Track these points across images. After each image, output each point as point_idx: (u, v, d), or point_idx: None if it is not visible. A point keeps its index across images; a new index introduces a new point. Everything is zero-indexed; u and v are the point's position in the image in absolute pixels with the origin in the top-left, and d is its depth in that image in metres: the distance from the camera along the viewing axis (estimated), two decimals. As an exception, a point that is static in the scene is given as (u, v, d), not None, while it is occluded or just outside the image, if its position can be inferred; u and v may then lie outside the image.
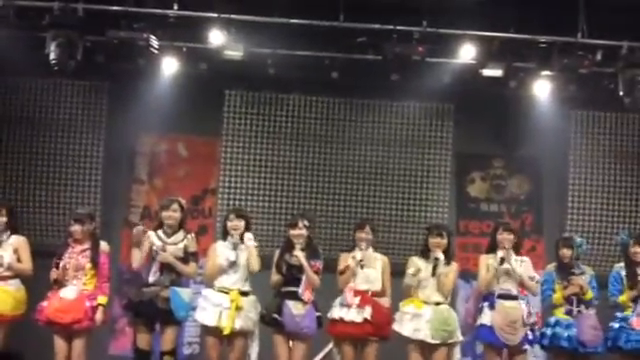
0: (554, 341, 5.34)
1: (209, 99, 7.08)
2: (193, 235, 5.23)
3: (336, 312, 5.27)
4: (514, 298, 5.27)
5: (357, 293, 5.23)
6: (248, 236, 5.18)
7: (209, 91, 7.02)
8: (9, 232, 5.28)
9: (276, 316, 5.12)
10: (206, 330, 5.17)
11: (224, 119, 7.20)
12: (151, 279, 5.09)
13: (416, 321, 5.19)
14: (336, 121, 7.25)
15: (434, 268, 5.22)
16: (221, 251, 5.19)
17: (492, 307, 5.24)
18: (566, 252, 5.45)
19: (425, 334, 5.16)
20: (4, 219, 5.24)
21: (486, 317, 5.26)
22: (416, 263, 5.33)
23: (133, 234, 5.22)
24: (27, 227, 6.25)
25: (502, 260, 5.24)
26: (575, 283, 5.36)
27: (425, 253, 5.34)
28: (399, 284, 5.45)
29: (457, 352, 5.35)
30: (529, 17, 6.32)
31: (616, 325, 5.40)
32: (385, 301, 5.35)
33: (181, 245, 5.14)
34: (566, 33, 6.29)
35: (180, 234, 5.17)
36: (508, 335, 5.19)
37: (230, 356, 5.13)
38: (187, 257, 5.14)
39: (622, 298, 5.42)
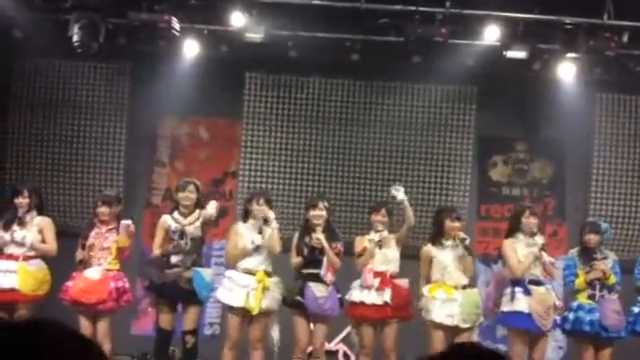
0: (576, 325, 5.29)
1: (230, 82, 7.07)
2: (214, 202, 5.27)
3: (356, 295, 5.28)
4: (542, 284, 5.23)
5: (376, 274, 5.24)
6: (273, 216, 5.20)
7: (230, 73, 7.01)
8: (34, 213, 5.35)
9: (299, 298, 5.15)
10: (230, 311, 5.19)
11: (245, 102, 7.19)
12: (174, 260, 5.13)
13: (448, 306, 5.17)
14: (357, 104, 7.21)
15: (467, 249, 5.20)
16: (244, 233, 5.20)
17: (527, 293, 5.15)
18: (593, 237, 5.36)
19: (458, 319, 5.15)
20: (26, 200, 5.30)
21: (522, 303, 5.15)
22: (431, 252, 5.30)
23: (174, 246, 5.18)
24: (50, 209, 6.31)
25: (543, 247, 5.18)
26: (598, 268, 5.30)
27: (439, 239, 5.29)
28: (418, 268, 5.44)
29: (475, 334, 5.34)
30: (554, -2, 6.21)
31: (636, 309, 5.35)
32: (404, 282, 5.35)
33: (198, 224, 5.17)
34: (592, 14, 6.16)
35: (196, 214, 5.21)
36: (545, 321, 5.14)
37: (253, 335, 5.17)
38: (204, 230, 5.18)
39: None
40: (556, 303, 5.21)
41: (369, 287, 5.21)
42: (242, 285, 5.11)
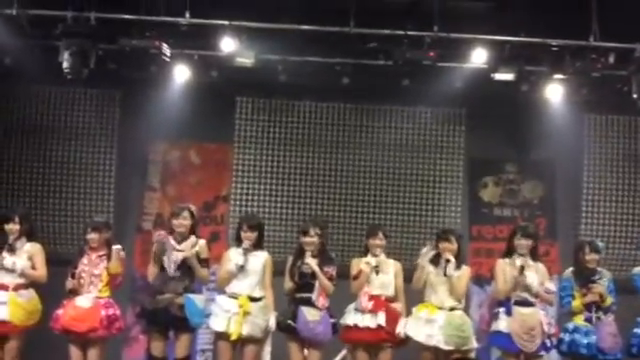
0: (572, 348, 5.28)
1: (221, 106, 7.10)
2: (204, 241, 5.24)
3: (350, 318, 5.26)
4: (531, 305, 5.22)
5: (371, 298, 5.22)
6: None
7: (221, 98, 7.04)
8: (24, 239, 5.31)
9: (290, 322, 5.12)
10: (218, 336, 5.17)
11: (236, 126, 7.22)
12: (171, 273, 5.04)
13: (429, 326, 5.16)
14: (347, 127, 7.25)
15: (444, 269, 5.18)
16: (232, 256, 5.21)
17: (509, 313, 5.17)
18: (594, 257, 5.33)
19: (438, 340, 5.12)
20: (17, 226, 5.27)
21: (502, 323, 5.19)
22: (427, 268, 5.31)
23: (156, 242, 5.15)
24: (41, 235, 6.24)
25: (522, 269, 5.17)
26: (595, 291, 5.28)
27: (436, 259, 5.31)
28: (413, 289, 5.43)
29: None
30: (541, 21, 6.30)
31: None
32: (398, 306, 5.33)
33: (193, 250, 5.14)
34: (578, 36, 6.26)
35: (192, 240, 5.17)
36: (526, 342, 5.13)
37: (244, 362, 5.13)
38: (199, 263, 5.15)
39: None
40: (544, 327, 5.16)
41: (363, 310, 5.19)
42: (225, 310, 5.09)
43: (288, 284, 5.23)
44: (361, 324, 5.19)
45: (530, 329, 5.14)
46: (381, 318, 5.19)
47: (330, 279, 5.19)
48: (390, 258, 5.43)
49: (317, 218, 6.29)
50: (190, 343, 5.25)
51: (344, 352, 5.63)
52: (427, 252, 5.25)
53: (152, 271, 5.14)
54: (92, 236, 5.26)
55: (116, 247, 5.24)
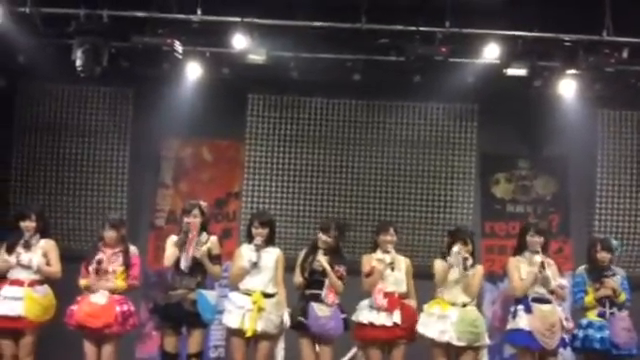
0: (586, 343, 5.25)
1: (232, 103, 7.13)
2: (216, 238, 5.26)
3: (364, 316, 5.25)
4: (548, 302, 5.19)
5: (386, 295, 5.21)
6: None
7: (232, 95, 7.07)
8: (38, 236, 5.36)
9: (301, 319, 5.13)
10: (231, 332, 5.19)
11: (247, 123, 7.24)
12: (183, 265, 5.06)
13: (442, 322, 5.14)
14: (359, 123, 7.25)
15: (463, 265, 5.13)
16: (245, 253, 5.22)
17: (529, 311, 5.13)
18: (605, 255, 5.31)
19: (451, 336, 5.10)
20: (33, 224, 5.31)
21: (523, 321, 5.14)
22: (441, 265, 5.29)
23: (184, 230, 5.14)
24: (54, 232, 6.30)
25: (542, 265, 5.13)
26: (607, 285, 5.25)
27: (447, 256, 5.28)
28: (424, 286, 5.42)
29: (484, 356, 5.29)
30: (553, 16, 6.26)
31: None
32: (412, 302, 5.32)
33: (204, 248, 5.16)
34: (591, 31, 6.21)
35: (203, 237, 5.20)
36: (547, 339, 5.09)
37: (257, 358, 5.14)
38: (211, 259, 5.17)
39: None
40: (563, 322, 5.16)
41: (379, 308, 5.18)
42: (238, 306, 5.11)
43: (298, 279, 5.24)
44: (377, 322, 5.17)
45: (551, 325, 5.11)
46: (397, 316, 5.18)
47: (340, 278, 5.19)
48: (401, 254, 5.43)
49: (340, 220, 6.16)
50: (203, 339, 5.27)
51: (354, 350, 5.62)
52: (458, 252, 5.18)
53: (171, 252, 5.11)
54: (110, 234, 5.29)
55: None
